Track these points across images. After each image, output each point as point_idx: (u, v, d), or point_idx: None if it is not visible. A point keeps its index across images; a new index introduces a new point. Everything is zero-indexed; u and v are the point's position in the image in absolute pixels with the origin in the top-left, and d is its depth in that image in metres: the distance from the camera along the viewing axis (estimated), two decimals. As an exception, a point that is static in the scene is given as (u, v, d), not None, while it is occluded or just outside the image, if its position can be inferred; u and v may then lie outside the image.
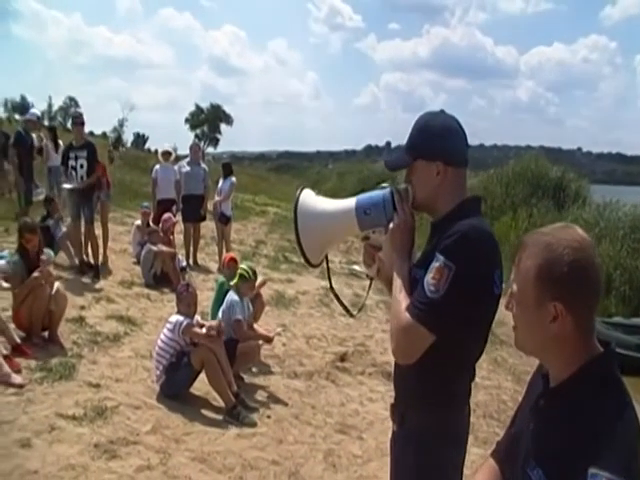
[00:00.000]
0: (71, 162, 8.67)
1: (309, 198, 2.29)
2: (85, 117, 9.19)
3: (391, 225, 2.15)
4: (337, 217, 2.23)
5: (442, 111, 2.19)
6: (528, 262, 1.48)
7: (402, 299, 2.03)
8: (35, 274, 5.91)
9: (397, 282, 2.09)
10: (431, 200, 2.15)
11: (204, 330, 5.42)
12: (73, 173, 8.67)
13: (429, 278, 1.95)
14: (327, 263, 2.44)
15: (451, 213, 2.10)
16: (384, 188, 2.20)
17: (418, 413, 2.14)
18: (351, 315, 2.65)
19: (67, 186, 8.86)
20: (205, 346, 5.32)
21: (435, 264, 1.95)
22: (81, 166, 8.64)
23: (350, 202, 2.21)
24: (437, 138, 2.11)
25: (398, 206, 2.14)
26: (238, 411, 5.19)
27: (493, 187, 20.91)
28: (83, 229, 8.95)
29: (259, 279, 7.33)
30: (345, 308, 2.58)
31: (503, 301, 1.68)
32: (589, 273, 1.43)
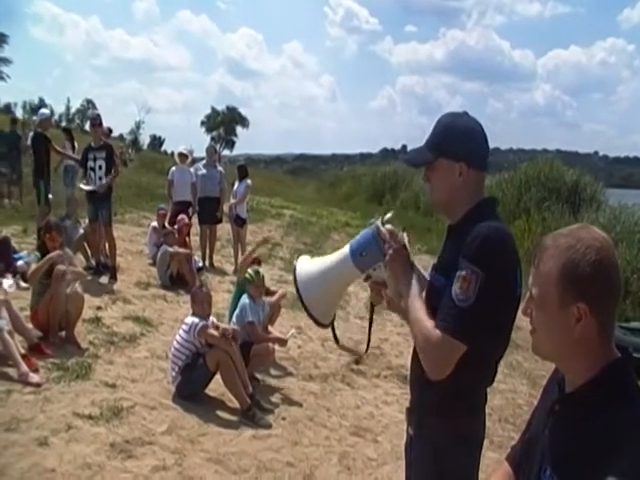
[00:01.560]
0: (90, 163, 8.73)
1: (305, 265, 2.34)
2: (102, 119, 9.26)
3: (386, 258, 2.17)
4: (336, 270, 2.26)
5: (465, 113, 2.19)
6: (549, 263, 1.46)
7: (424, 317, 2.01)
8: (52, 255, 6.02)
9: (413, 304, 2.07)
10: (449, 201, 2.15)
11: (223, 330, 5.44)
12: (92, 174, 8.72)
13: (456, 288, 1.93)
14: (333, 327, 2.46)
15: (468, 215, 2.10)
16: (371, 224, 2.23)
17: (436, 418, 2.13)
18: (358, 357, 2.63)
19: (85, 187, 8.91)
20: (220, 348, 5.34)
21: (461, 273, 1.93)
22: (99, 167, 8.69)
23: (344, 250, 2.24)
24: (462, 139, 2.11)
25: (384, 241, 2.16)
26: (253, 412, 5.20)
27: (506, 190, 20.81)
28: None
29: (279, 291, 7.41)
30: (352, 351, 2.58)
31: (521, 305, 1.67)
32: (612, 273, 1.43)
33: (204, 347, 5.42)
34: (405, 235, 2.23)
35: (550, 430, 1.53)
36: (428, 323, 1.98)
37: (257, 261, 7.38)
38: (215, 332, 5.43)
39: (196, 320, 5.41)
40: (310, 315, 2.29)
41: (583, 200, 19.83)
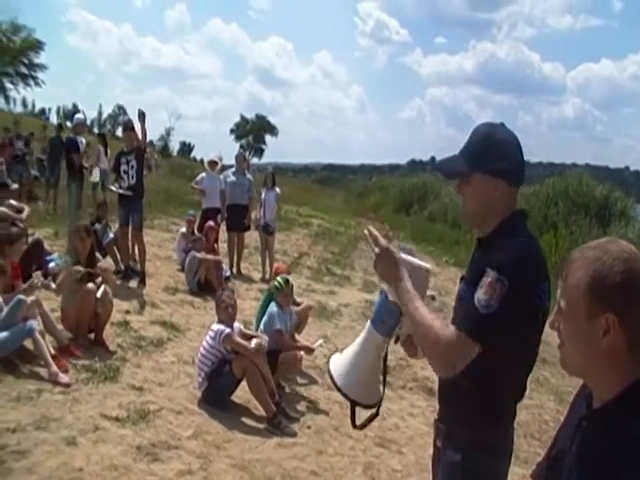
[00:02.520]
0: (123, 167, 8.84)
1: (337, 362, 2.30)
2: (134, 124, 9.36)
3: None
4: (366, 349, 2.23)
5: (502, 124, 2.15)
6: (578, 274, 1.45)
7: (429, 316, 1.97)
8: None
9: (413, 304, 2.01)
10: (482, 215, 2.13)
11: (253, 345, 5.46)
12: (125, 177, 8.83)
13: (481, 294, 1.92)
14: (353, 407, 2.32)
15: (499, 228, 2.09)
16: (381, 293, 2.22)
17: (464, 429, 2.11)
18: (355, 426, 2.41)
19: (116, 189, 9.02)
20: (246, 355, 5.36)
21: (487, 279, 1.92)
22: (132, 167, 8.80)
23: (366, 328, 2.23)
24: (501, 154, 2.07)
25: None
26: (279, 420, 5.21)
27: (533, 204, 20.66)
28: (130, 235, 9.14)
29: (305, 303, 7.45)
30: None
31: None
32: (638, 284, 1.41)
33: (230, 354, 5.43)
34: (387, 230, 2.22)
35: (577, 446, 1.50)
36: (437, 322, 1.95)
37: (286, 270, 7.43)
38: (241, 340, 5.45)
39: (222, 327, 5.44)
40: (362, 405, 2.25)
41: (612, 215, 19.65)
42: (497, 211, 2.09)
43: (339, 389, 2.22)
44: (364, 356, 2.23)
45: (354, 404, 2.24)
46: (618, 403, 1.42)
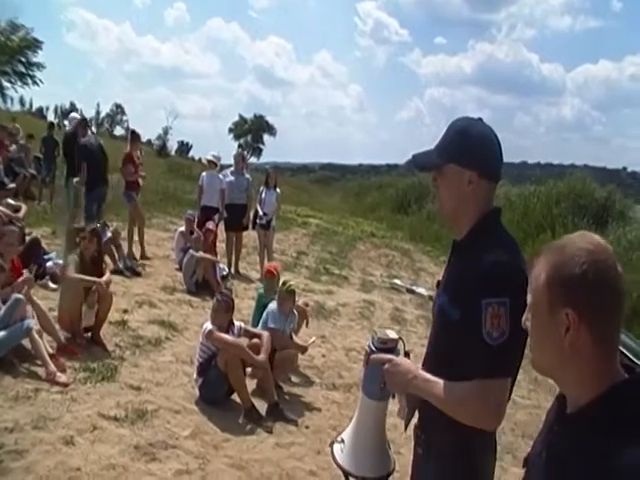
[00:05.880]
0: None
1: (341, 449, 2.24)
2: (131, 124, 9.64)
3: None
4: (369, 422, 2.21)
5: (480, 119, 2.10)
6: (539, 267, 1.38)
7: (447, 385, 1.91)
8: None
9: (430, 387, 1.97)
10: (457, 210, 2.07)
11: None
12: None
13: (488, 328, 1.81)
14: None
15: (473, 230, 2.03)
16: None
17: (445, 439, 2.02)
18: None
19: None
20: (228, 350, 5.37)
21: (487, 311, 1.82)
22: None
23: (364, 403, 2.19)
24: (475, 146, 2.01)
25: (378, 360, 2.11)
26: (257, 414, 5.27)
27: (530, 204, 20.70)
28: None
29: (301, 300, 7.52)
30: None
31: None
32: (604, 277, 1.30)
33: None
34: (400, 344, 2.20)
35: (547, 452, 1.41)
36: (456, 386, 1.89)
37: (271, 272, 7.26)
38: (221, 335, 5.45)
39: (206, 324, 5.53)
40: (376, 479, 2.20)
41: (610, 216, 19.67)
42: (471, 207, 2.03)
43: (356, 477, 2.16)
44: (372, 433, 2.20)
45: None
46: (589, 415, 1.30)
